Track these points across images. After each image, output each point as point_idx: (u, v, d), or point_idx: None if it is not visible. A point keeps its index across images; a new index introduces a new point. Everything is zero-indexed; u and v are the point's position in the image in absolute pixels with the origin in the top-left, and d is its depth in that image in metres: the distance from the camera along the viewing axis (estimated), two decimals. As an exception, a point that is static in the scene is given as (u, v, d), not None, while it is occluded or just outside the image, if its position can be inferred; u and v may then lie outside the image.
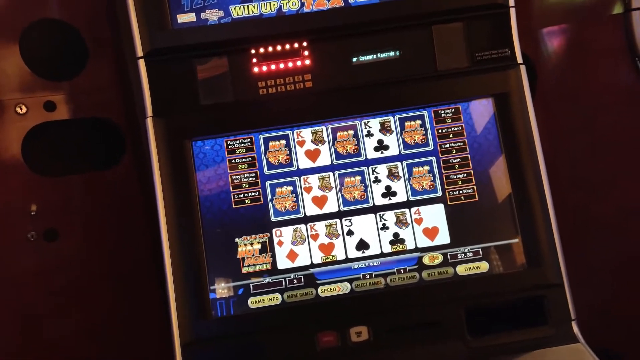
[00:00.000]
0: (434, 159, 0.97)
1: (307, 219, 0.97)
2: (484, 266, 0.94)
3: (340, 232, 0.96)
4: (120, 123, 1.22)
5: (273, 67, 0.97)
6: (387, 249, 0.95)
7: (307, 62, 0.97)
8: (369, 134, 0.99)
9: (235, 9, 0.95)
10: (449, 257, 0.94)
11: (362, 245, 0.95)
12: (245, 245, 0.95)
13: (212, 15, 0.95)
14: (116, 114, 1.22)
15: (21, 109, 1.15)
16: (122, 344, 1.23)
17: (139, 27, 0.94)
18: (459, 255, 0.94)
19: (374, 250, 0.95)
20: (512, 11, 0.97)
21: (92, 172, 1.21)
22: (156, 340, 1.22)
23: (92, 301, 1.21)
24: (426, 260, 0.95)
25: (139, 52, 0.94)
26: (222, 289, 0.93)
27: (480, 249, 0.94)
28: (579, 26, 1.29)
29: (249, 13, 0.96)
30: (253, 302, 0.93)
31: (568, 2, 1.33)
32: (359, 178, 0.97)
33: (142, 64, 0.95)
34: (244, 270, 0.94)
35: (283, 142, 0.99)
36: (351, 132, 0.99)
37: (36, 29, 1.16)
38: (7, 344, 1.14)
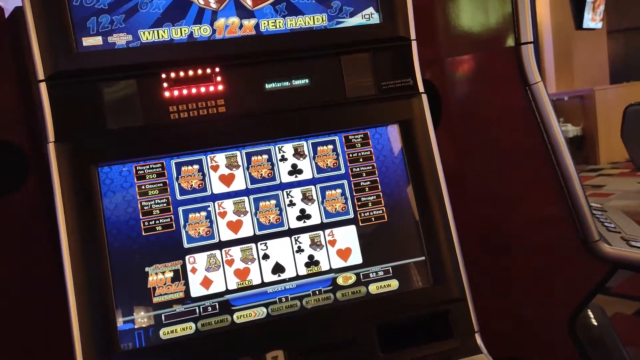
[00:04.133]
0: (345, 182, 1.01)
1: (221, 244, 0.96)
2: (394, 284, 0.98)
3: (255, 256, 0.96)
4: (24, 145, 1.15)
5: (185, 91, 0.96)
6: (303, 271, 0.96)
7: (220, 87, 0.98)
8: (283, 159, 1.00)
9: (144, 33, 0.94)
10: (361, 276, 0.97)
11: (278, 268, 0.96)
12: (156, 274, 0.92)
13: (120, 39, 0.93)
14: (19, 136, 1.14)
15: None
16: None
17: (40, 49, 0.89)
18: (370, 274, 0.98)
19: (289, 273, 0.96)
20: (414, 44, 1.03)
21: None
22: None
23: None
24: (340, 280, 0.97)
25: (40, 76, 0.90)
26: (131, 320, 0.89)
27: (390, 268, 0.98)
28: (480, 56, 1.40)
29: (159, 38, 0.95)
30: (165, 333, 0.89)
31: (472, 34, 1.44)
32: (274, 202, 0.98)
33: (43, 87, 0.90)
34: (155, 300, 0.91)
35: (196, 167, 0.98)
36: (265, 156, 1.00)
37: None
38: None
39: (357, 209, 1.00)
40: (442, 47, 1.43)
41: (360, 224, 0.99)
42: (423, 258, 0.99)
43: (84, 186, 0.91)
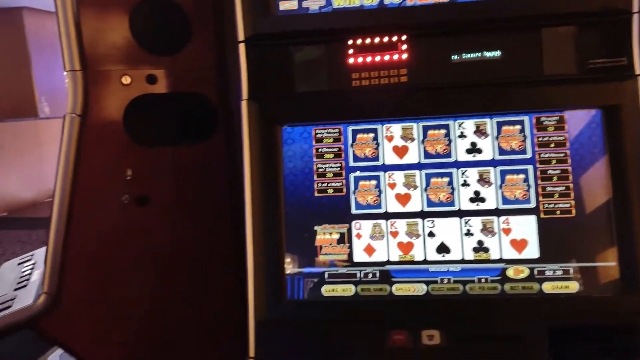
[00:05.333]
0: (530, 167, 0.92)
1: (387, 215, 0.96)
2: (573, 286, 0.89)
3: (421, 232, 0.94)
4: (215, 101, 1.27)
5: (369, 59, 0.96)
6: (470, 255, 0.92)
7: (404, 56, 0.95)
8: (462, 135, 0.95)
9: (337, -2, 0.95)
10: (535, 272, 0.90)
11: (443, 248, 0.93)
12: (324, 233, 0.96)
13: (314, 4, 0.96)
14: (211, 92, 1.27)
15: (126, 79, 1.22)
16: (196, 313, 1.30)
17: (242, 11, 0.96)
18: (546, 271, 0.90)
19: (455, 255, 0.93)
20: (635, 18, 0.88)
21: (185, 145, 1.27)
22: (231, 314, 1.28)
23: (171, 268, 1.28)
24: (510, 272, 0.91)
25: (241, 36, 0.97)
26: (297, 273, 0.95)
27: (571, 268, 0.89)
28: None
29: (350, 4, 0.95)
30: (327, 290, 0.94)
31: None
32: (446, 179, 0.95)
33: (242, 48, 0.97)
34: (321, 257, 0.95)
35: (371, 135, 0.98)
36: (443, 131, 0.96)
37: (146, 5, 1.21)
38: (86, 293, 1.23)
39: (541, 199, 0.91)
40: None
41: (542, 216, 0.91)
42: (614, 263, 0.87)
43: (268, 143, 0.97)
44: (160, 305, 1.27)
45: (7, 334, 1.11)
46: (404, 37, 0.95)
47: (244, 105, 0.97)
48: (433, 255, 0.93)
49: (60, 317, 1.16)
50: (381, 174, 0.97)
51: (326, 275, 0.95)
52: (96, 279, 1.21)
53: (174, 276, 1.28)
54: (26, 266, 1.45)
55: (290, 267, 0.95)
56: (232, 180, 1.28)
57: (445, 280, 0.92)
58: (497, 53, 0.93)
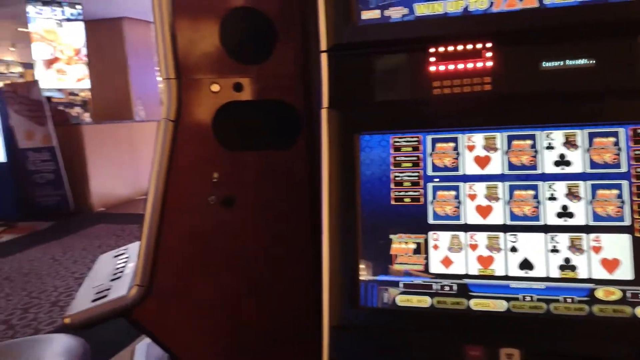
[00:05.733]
0: (625, 183, 0.86)
1: (467, 227, 0.94)
2: (672, 313, 0.81)
3: (502, 246, 0.91)
4: (299, 109, 1.31)
5: (451, 67, 0.95)
6: (555, 273, 0.88)
7: (489, 64, 0.93)
8: (550, 147, 0.91)
9: (419, 7, 0.95)
10: (628, 295, 0.84)
11: (526, 264, 0.89)
12: (399, 242, 0.96)
13: (396, 13, 0.96)
14: (295, 99, 1.31)
15: (215, 87, 1.29)
16: (274, 313, 1.34)
17: (326, 21, 0.98)
18: (641, 295, 0.83)
19: (538, 272, 0.88)
20: None
21: (269, 150, 1.32)
22: (307, 317, 1.31)
23: (253, 268, 1.34)
24: (600, 294, 0.85)
25: (323, 46, 0.99)
26: (372, 281, 0.96)
27: (671, 294, 0.82)
28: None
29: (433, 11, 0.94)
30: (401, 300, 0.94)
31: None
32: (531, 192, 0.91)
33: (324, 57, 1.00)
34: (396, 267, 0.95)
35: (452, 144, 0.96)
36: (529, 142, 0.92)
37: (235, 15, 1.28)
38: (174, 287, 1.31)
39: (636, 217, 0.85)
40: None
41: (637, 234, 0.84)
42: None
43: (346, 151, 0.98)
44: (240, 303, 1.33)
45: (103, 321, 1.22)
46: (488, 45, 0.92)
47: (323, 113, 1.00)
48: (515, 271, 0.90)
49: (151, 309, 1.25)
50: (461, 184, 0.95)
51: (401, 285, 0.94)
52: (184, 274, 1.29)
53: (255, 276, 1.33)
54: (121, 259, 1.58)
55: (364, 274, 0.96)
56: (313, 186, 1.31)
57: (528, 298, 0.88)
58: (590, 60, 0.87)
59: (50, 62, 7.79)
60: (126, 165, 7.42)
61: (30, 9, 7.50)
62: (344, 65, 1.00)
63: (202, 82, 1.28)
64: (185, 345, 1.30)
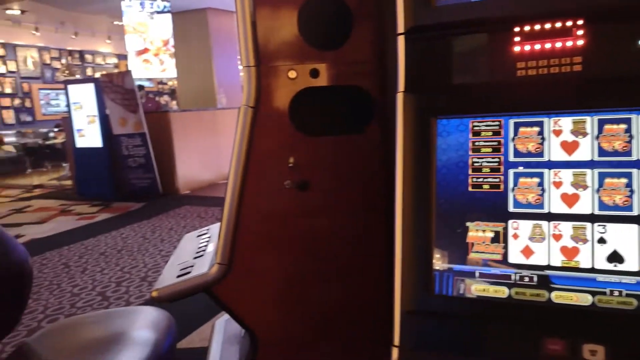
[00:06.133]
0: None
1: (550, 216, 0.89)
2: None
3: (589, 237, 0.86)
4: (373, 93, 1.31)
5: (537, 47, 0.89)
6: (648, 268, 0.81)
7: (579, 42, 0.86)
8: (647, 132, 0.83)
9: (504, -17, 0.90)
10: None
11: (615, 257, 0.83)
12: (476, 230, 0.93)
13: (477, -8, 0.92)
14: (370, 84, 1.30)
15: (292, 74, 1.32)
16: (345, 296, 1.36)
17: (404, 3, 0.96)
18: None
19: (630, 265, 0.82)
20: None
21: (344, 135, 1.33)
22: (379, 301, 1.31)
23: (327, 250, 1.36)
24: (701, 292, 0.78)
25: (400, 29, 0.97)
26: (446, 268, 0.94)
27: None
28: None
29: (519, -12, 0.89)
30: (477, 290, 0.91)
31: None
32: (624, 181, 0.84)
33: (401, 40, 0.98)
34: (472, 255, 0.93)
35: (536, 129, 0.91)
36: (623, 126, 0.85)
37: (313, 2, 1.29)
38: (252, 267, 1.36)
39: None
40: None
41: None
42: None
43: (422, 136, 0.97)
44: (314, 284, 1.36)
45: (186, 296, 1.30)
46: (580, 22, 0.86)
47: (399, 97, 0.99)
48: (602, 264, 0.84)
49: (230, 286, 1.31)
50: (545, 171, 0.90)
51: (477, 274, 0.92)
52: (261, 254, 1.34)
53: (328, 258, 1.36)
54: (203, 238, 1.67)
55: (439, 262, 0.94)
56: (387, 171, 1.31)
57: (616, 293, 0.82)
58: (701, 35, 0.79)
59: (140, 53, 8.32)
60: (209, 150, 7.79)
61: (124, 3, 8.04)
62: (422, 48, 0.97)
63: (280, 69, 1.31)
64: (262, 322, 1.35)
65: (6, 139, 10.85)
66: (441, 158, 0.96)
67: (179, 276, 1.32)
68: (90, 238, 4.89)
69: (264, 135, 1.31)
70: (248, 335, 1.38)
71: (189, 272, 1.33)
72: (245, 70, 1.32)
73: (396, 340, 0.92)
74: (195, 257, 1.46)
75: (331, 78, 1.31)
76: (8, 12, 10.31)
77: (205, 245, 1.55)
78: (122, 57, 14.05)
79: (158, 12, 8.20)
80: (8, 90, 11.92)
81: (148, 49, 8.36)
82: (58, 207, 6.78)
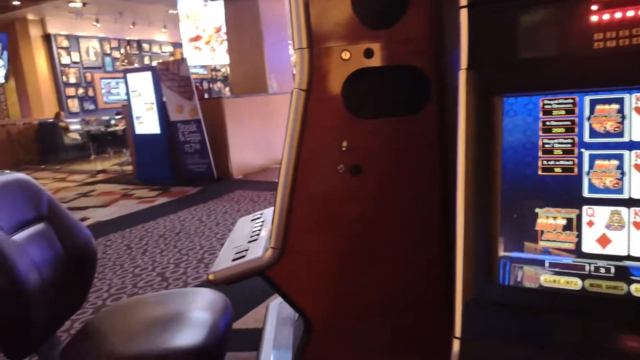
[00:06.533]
0: None
1: (631, 202, 0.81)
2: None
3: (677, 225, 0.77)
4: (429, 72, 1.25)
5: (619, 15, 0.81)
6: None
7: (669, 8, 0.77)
8: None
9: (581, -55, 0.82)
10: None
11: None
12: (546, 217, 0.87)
13: (551, -44, 0.84)
14: (426, 63, 1.24)
15: (345, 55, 1.28)
16: (400, 283, 1.33)
17: (466, -26, 0.90)
18: None
19: None
20: None
21: (397, 117, 1.28)
22: (436, 287, 1.27)
23: (380, 235, 1.33)
24: None
25: (463, 1, 0.91)
26: (513, 257, 0.88)
27: None
28: None
29: (597, -51, 0.81)
30: (546, 280, 0.85)
31: None
32: None
33: (463, 13, 0.92)
34: (541, 244, 0.86)
35: (615, 106, 0.83)
36: None
37: None
38: (305, 251, 1.34)
39: None
40: None
41: None
42: None
43: (487, 115, 0.91)
44: (367, 270, 1.34)
45: (242, 279, 1.31)
46: (670, -15, 0.77)
47: (461, 75, 0.93)
48: (693, 255, 0.76)
49: (284, 270, 1.31)
50: (626, 152, 0.82)
51: (547, 264, 0.85)
52: (314, 238, 1.33)
53: (381, 243, 1.33)
54: (257, 222, 1.68)
55: (504, 250, 0.89)
56: (443, 153, 1.25)
57: None
58: None
59: (192, 40, 8.51)
60: (261, 135, 7.90)
61: (178, -8, 8.21)
62: (486, 21, 0.91)
63: (332, 50, 1.27)
64: (315, 305, 1.35)
65: (71, 127, 11.48)
66: (507, 139, 0.90)
67: (234, 260, 1.34)
68: (150, 221, 5.10)
69: (317, 118, 1.28)
70: (302, 319, 1.38)
71: (243, 256, 1.34)
72: (297, 53, 1.29)
73: (457, 331, 0.87)
74: (250, 241, 1.47)
75: (385, 58, 1.26)
76: (71, 5, 10.81)
77: (259, 229, 1.56)
78: (177, 45, 14.45)
79: (211, 0, 8.33)
80: (72, 80, 12.56)
81: (200, 36, 8.52)
82: (120, 191, 7.11)
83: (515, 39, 0.90)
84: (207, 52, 8.60)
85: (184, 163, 7.25)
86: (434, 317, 1.31)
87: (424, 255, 1.31)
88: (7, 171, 1.40)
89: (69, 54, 12.44)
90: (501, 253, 0.88)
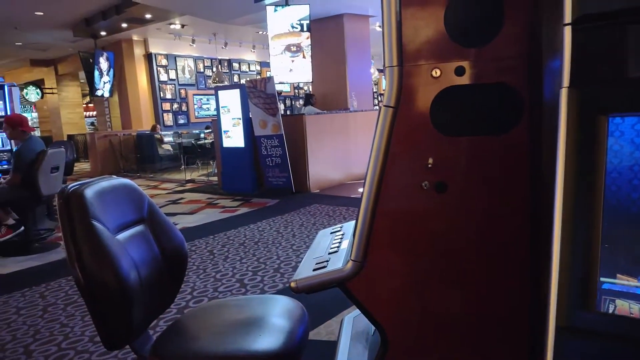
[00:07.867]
0: None
1: None
2: None
3: None
4: (522, 90, 1.21)
5: None
6: None
7: None
8: None
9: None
10: None
11: None
12: (654, 244, 0.81)
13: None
14: (518, 81, 1.21)
15: (436, 72, 1.28)
16: (482, 303, 1.28)
17: (570, -8, 0.88)
18: None
19: None
20: None
21: (486, 135, 1.26)
22: (518, 311, 1.21)
23: (462, 254, 1.30)
24: None
25: (567, 19, 0.89)
26: (614, 284, 0.83)
27: None
28: None
29: None
30: (651, 312, 0.79)
31: None
32: None
33: (567, 30, 0.89)
34: (647, 273, 0.81)
35: None
36: None
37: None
38: (386, 265, 1.33)
39: None
40: None
41: None
42: None
43: (590, 135, 0.87)
44: (447, 289, 1.31)
45: (322, 289, 1.33)
46: None
47: (563, 92, 0.90)
48: None
49: (363, 282, 1.32)
50: None
51: (651, 295, 0.80)
52: (395, 254, 1.33)
53: (465, 263, 1.30)
54: (337, 235, 1.70)
55: (604, 276, 0.84)
56: (534, 174, 1.20)
57: None
58: None
59: (278, 60, 8.84)
60: (339, 152, 7.99)
61: (269, 13, 8.61)
62: (591, 38, 0.87)
63: (423, 68, 1.28)
64: (392, 320, 1.34)
65: (165, 139, 12.34)
66: (612, 161, 0.85)
67: (315, 269, 1.37)
68: (232, 229, 5.32)
69: (403, 134, 1.29)
70: (379, 334, 1.37)
71: (324, 267, 1.37)
72: (387, 71, 1.32)
73: (549, 358, 0.83)
74: (330, 253, 1.50)
75: (477, 75, 1.25)
76: (172, 26, 11.71)
77: (339, 242, 1.58)
78: (265, 64, 15.10)
79: (299, 21, 8.64)
80: (168, 95, 13.51)
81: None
82: (205, 200, 7.49)
83: (623, 56, 0.86)
84: (295, 70, 8.91)
85: (266, 176, 7.51)
86: (516, 342, 1.25)
87: (511, 277, 1.26)
88: (114, 176, 1.54)
89: (166, 72, 13.44)
90: (602, 279, 0.84)
